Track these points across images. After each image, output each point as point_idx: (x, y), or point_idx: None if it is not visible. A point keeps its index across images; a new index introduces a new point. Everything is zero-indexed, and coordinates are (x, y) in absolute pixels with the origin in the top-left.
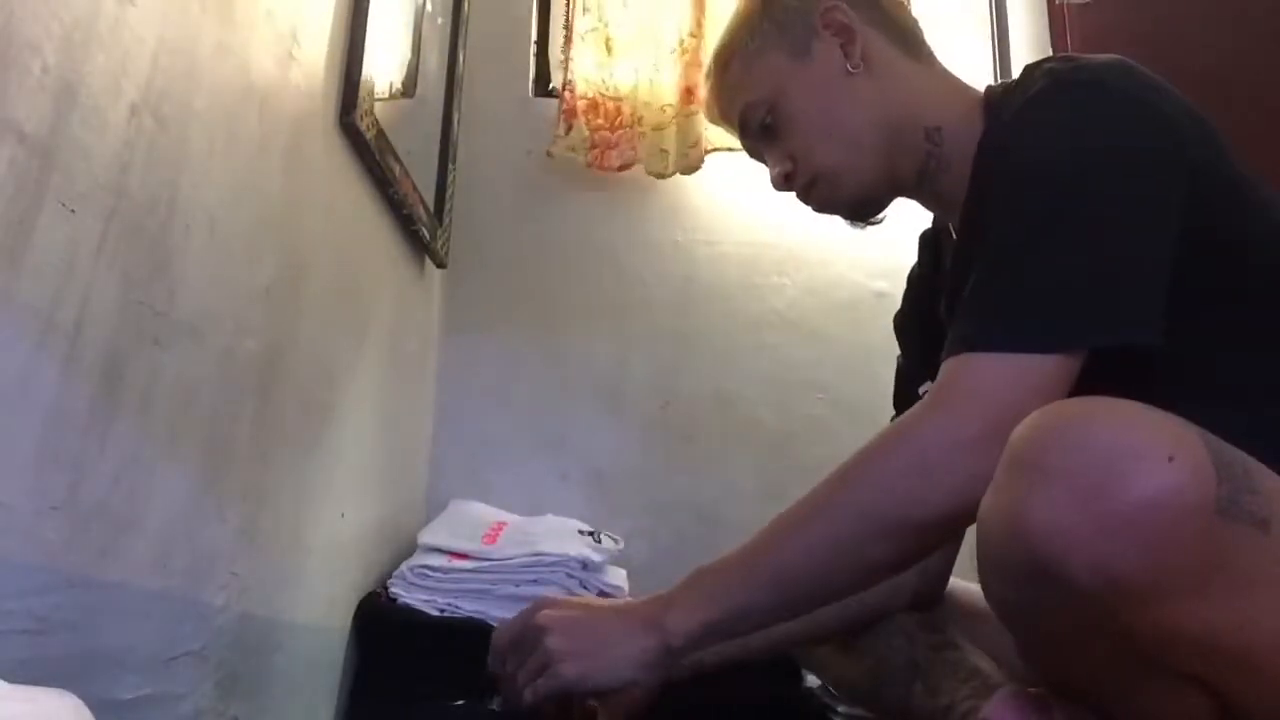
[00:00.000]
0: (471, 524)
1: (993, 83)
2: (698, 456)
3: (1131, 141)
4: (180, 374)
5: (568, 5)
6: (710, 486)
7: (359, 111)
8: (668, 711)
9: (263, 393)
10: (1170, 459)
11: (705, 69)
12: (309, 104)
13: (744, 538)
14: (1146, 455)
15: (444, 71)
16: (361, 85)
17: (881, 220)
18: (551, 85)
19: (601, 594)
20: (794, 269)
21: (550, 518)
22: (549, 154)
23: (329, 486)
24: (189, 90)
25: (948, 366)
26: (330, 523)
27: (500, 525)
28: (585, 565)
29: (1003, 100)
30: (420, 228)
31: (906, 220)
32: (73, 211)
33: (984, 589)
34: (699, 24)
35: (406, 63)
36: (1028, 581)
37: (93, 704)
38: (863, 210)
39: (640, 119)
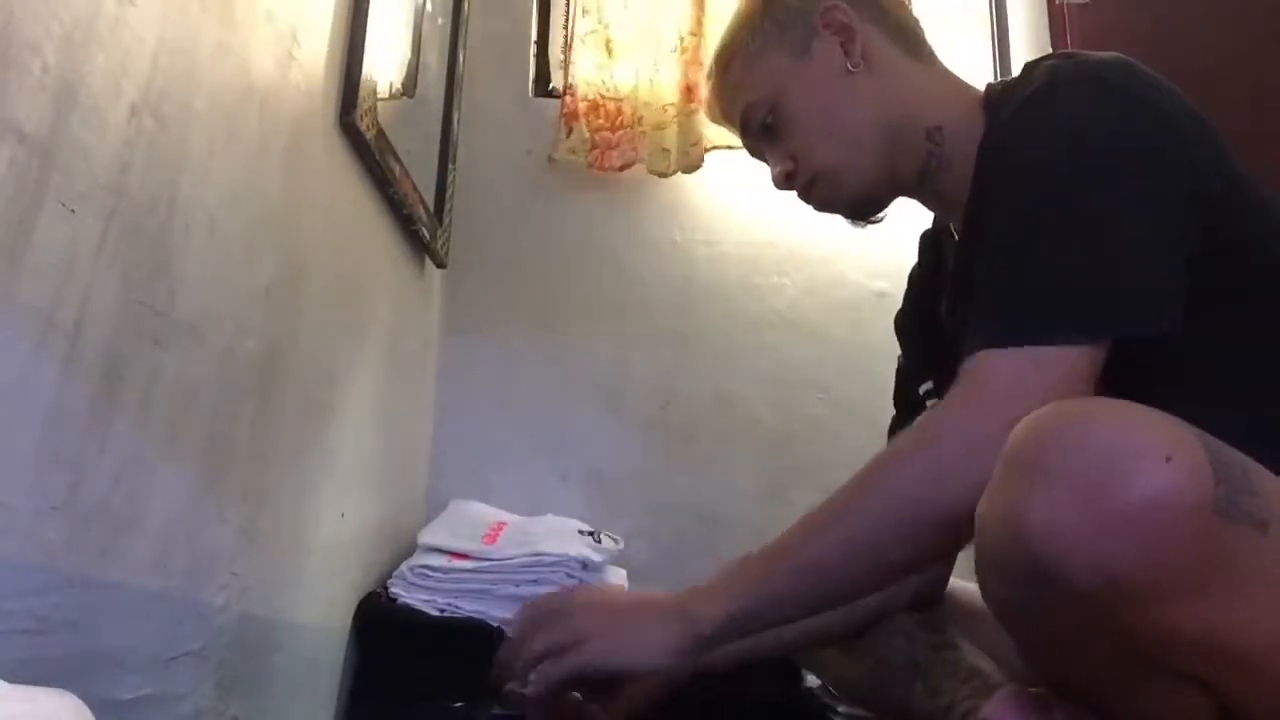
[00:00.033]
0: (471, 524)
1: (993, 81)
2: (698, 456)
3: (1132, 141)
4: (180, 374)
5: (568, 6)
6: (710, 486)
7: (359, 111)
8: (668, 711)
9: (263, 393)
10: (1168, 459)
11: (706, 69)
12: (309, 104)
13: (744, 538)
14: (1145, 455)
15: (444, 71)
16: (361, 85)
17: (882, 219)
18: (552, 85)
19: None
20: (794, 269)
21: (550, 518)
22: (551, 159)
23: (329, 486)
24: (189, 90)
25: (967, 366)
26: (330, 523)
27: (500, 525)
28: (585, 565)
29: (1003, 99)
30: (420, 228)
31: (907, 220)
32: (73, 211)
33: (983, 589)
34: (699, 22)
35: (406, 63)
36: (1027, 582)
37: (93, 704)
38: (863, 209)
39: (640, 118)
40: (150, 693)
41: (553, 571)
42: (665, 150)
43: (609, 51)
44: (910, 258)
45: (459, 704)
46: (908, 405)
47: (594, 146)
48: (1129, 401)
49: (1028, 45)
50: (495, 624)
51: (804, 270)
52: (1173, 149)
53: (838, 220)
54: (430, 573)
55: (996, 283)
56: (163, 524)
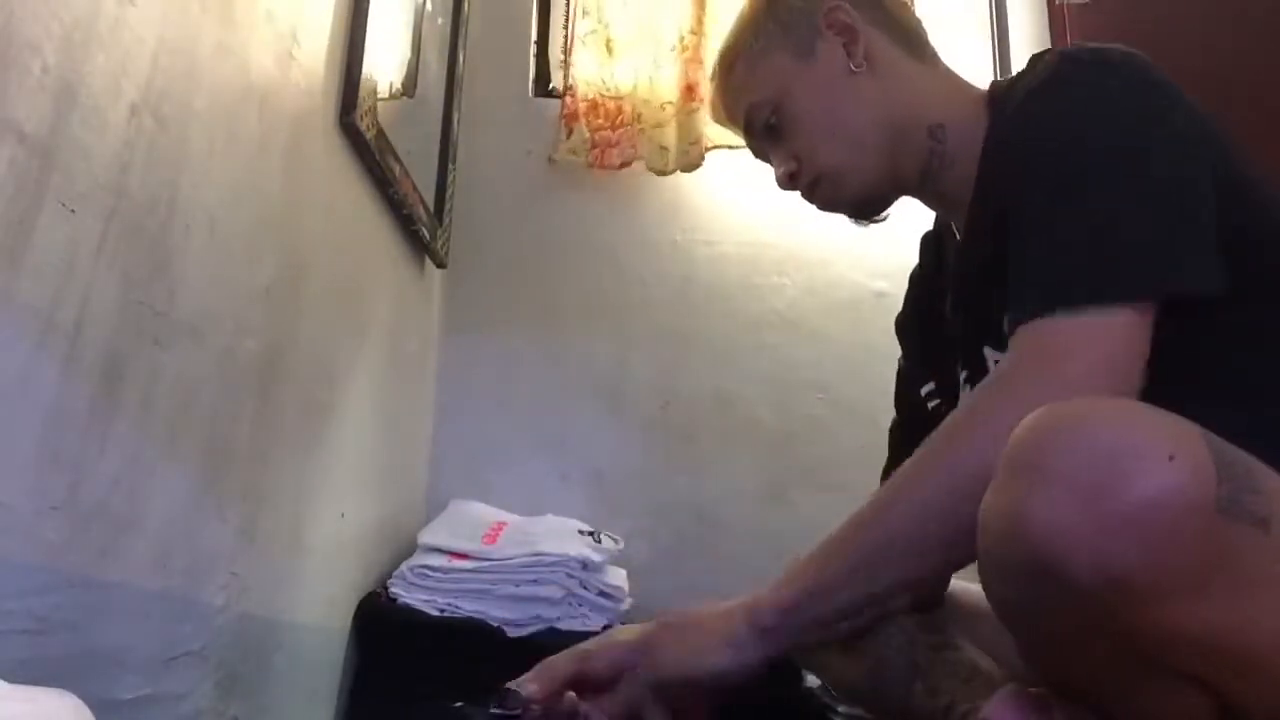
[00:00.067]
0: (471, 524)
1: (996, 79)
2: (698, 456)
3: (1158, 113)
4: (180, 374)
5: (568, 6)
6: (710, 486)
7: (359, 111)
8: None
9: (263, 393)
10: (1171, 458)
11: (710, 70)
12: (309, 104)
13: (744, 538)
14: (1147, 454)
15: (444, 71)
16: (361, 85)
17: (885, 218)
18: (551, 85)
19: (601, 594)
20: (794, 269)
21: (550, 518)
22: (552, 160)
23: (329, 486)
24: (189, 90)
25: (1020, 337)
26: (330, 523)
27: (500, 525)
28: (585, 565)
29: (1007, 94)
30: (420, 228)
31: (908, 220)
32: (73, 211)
33: (984, 589)
34: (699, 21)
35: (406, 63)
36: (1028, 581)
37: (93, 704)
38: (866, 209)
39: (640, 117)
40: (150, 693)
41: (553, 571)
42: (664, 148)
43: (609, 51)
44: (911, 258)
45: (459, 704)
46: (909, 406)
47: (594, 146)
48: (1130, 400)
49: (1028, 45)
50: (495, 624)
51: (804, 270)
52: (1194, 128)
53: (838, 220)
54: (430, 573)
55: (1043, 251)
56: (163, 524)
